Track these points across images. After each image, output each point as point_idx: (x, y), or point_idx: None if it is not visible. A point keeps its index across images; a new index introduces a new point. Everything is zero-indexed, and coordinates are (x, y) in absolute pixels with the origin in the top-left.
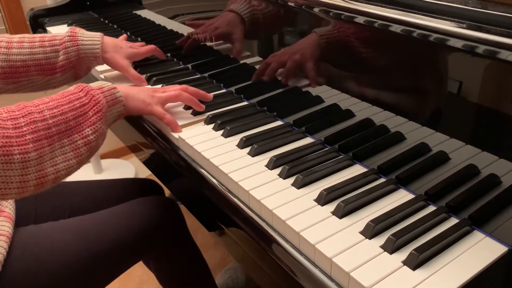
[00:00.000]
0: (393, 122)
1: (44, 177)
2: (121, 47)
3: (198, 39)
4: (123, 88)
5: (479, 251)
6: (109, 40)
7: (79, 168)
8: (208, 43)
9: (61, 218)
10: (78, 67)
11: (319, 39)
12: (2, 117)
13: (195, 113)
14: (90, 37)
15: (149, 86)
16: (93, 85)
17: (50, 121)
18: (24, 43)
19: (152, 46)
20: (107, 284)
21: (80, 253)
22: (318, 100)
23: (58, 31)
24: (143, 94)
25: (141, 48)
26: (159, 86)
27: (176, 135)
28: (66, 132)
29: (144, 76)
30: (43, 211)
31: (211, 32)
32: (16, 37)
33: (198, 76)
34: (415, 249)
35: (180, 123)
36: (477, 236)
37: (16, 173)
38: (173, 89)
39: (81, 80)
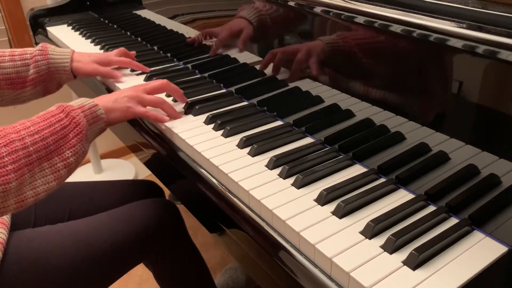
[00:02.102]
0: (393, 122)
1: (23, 201)
2: (89, 55)
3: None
4: (103, 102)
5: (479, 251)
6: (78, 53)
7: (59, 187)
8: (208, 43)
9: (60, 220)
10: (49, 81)
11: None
12: None
13: (195, 113)
14: (60, 52)
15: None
16: (74, 103)
17: (31, 148)
18: None
19: (125, 60)
20: (107, 287)
21: (78, 257)
22: (318, 100)
23: (58, 31)
24: (123, 100)
25: (112, 57)
26: None
27: (176, 135)
28: (46, 156)
29: (144, 76)
30: (42, 213)
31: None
32: None
33: (198, 76)
34: (415, 249)
35: (180, 123)
36: (477, 236)
37: None
38: (156, 82)
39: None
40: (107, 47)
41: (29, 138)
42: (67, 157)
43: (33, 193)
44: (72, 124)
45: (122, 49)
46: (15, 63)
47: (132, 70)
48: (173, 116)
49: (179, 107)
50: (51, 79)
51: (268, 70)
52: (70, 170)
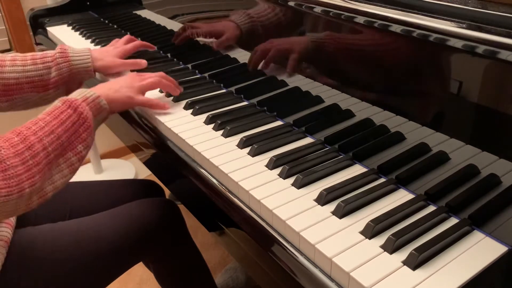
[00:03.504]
0: (393, 122)
1: (44, 195)
2: (106, 51)
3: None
4: (104, 92)
5: (479, 251)
6: (95, 51)
7: (73, 176)
8: (208, 44)
9: (61, 219)
10: (71, 82)
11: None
12: (9, 155)
13: (195, 113)
14: (80, 53)
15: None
16: (77, 95)
17: (49, 148)
18: (16, 61)
19: (137, 43)
20: (107, 285)
21: (78, 255)
22: (318, 100)
23: (58, 31)
24: (123, 90)
25: (127, 46)
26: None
27: (176, 134)
28: (61, 153)
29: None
30: (43, 212)
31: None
32: (9, 56)
33: (198, 76)
34: (415, 249)
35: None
36: (477, 236)
37: (24, 202)
38: (152, 76)
39: None
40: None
41: (47, 138)
42: (80, 151)
43: (52, 188)
44: (81, 120)
45: (128, 36)
46: (37, 67)
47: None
48: (174, 92)
49: (180, 106)
50: (73, 79)
51: (267, 70)
52: (82, 160)
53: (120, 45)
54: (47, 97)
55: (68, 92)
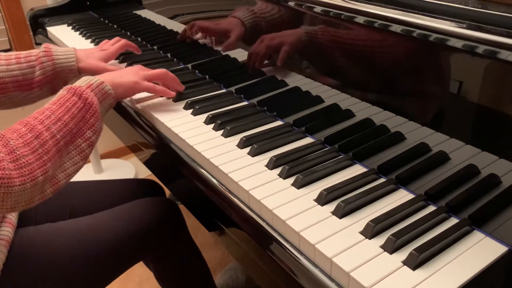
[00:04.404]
0: (393, 122)
1: (57, 183)
2: (92, 53)
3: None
4: (109, 78)
5: (479, 251)
6: (81, 51)
7: (85, 163)
8: (208, 43)
9: (62, 218)
10: (55, 81)
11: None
12: (18, 145)
13: (195, 113)
14: (64, 52)
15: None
16: (81, 83)
17: (58, 136)
18: (0, 60)
19: (122, 43)
20: (107, 284)
21: (78, 254)
22: (318, 100)
23: (58, 31)
24: (128, 76)
25: (112, 48)
26: None
27: (176, 134)
28: (71, 139)
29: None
30: (44, 211)
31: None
32: None
33: (198, 76)
34: (415, 249)
35: (180, 122)
36: (477, 236)
37: (38, 191)
38: (156, 70)
39: None
40: None
41: (54, 126)
42: (89, 136)
43: (65, 175)
44: (87, 105)
45: (117, 38)
46: (21, 66)
47: (116, 58)
48: (178, 88)
49: (180, 106)
50: (57, 79)
51: (267, 70)
52: (92, 146)
53: (107, 47)
54: (31, 96)
55: (52, 91)
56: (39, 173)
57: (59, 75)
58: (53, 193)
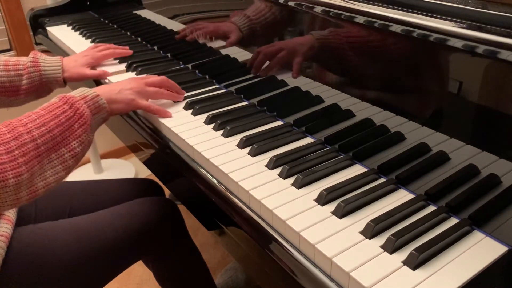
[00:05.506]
0: (393, 122)
1: (35, 191)
2: (75, 60)
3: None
4: (105, 92)
5: (479, 251)
6: (67, 59)
7: (67, 176)
8: (208, 43)
9: (61, 218)
10: (41, 90)
11: (315, 40)
12: None
13: (195, 113)
14: (51, 62)
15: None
16: (76, 93)
17: (39, 140)
18: None
19: (110, 52)
20: (106, 283)
21: (78, 253)
22: (318, 100)
23: (58, 31)
24: (126, 92)
25: (97, 54)
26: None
27: (176, 134)
28: (54, 147)
29: (144, 75)
30: (43, 211)
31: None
32: None
33: (198, 76)
34: (415, 249)
35: (180, 122)
36: (477, 236)
37: (10, 194)
38: (156, 80)
39: None
40: None
41: (37, 130)
42: (74, 147)
43: (44, 184)
44: (77, 115)
45: (107, 45)
46: (9, 73)
47: (115, 58)
48: (178, 99)
49: (180, 106)
50: (43, 88)
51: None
52: (77, 159)
53: (92, 52)
54: (17, 101)
55: (38, 97)
56: (10, 175)
57: (45, 84)
58: (28, 200)
